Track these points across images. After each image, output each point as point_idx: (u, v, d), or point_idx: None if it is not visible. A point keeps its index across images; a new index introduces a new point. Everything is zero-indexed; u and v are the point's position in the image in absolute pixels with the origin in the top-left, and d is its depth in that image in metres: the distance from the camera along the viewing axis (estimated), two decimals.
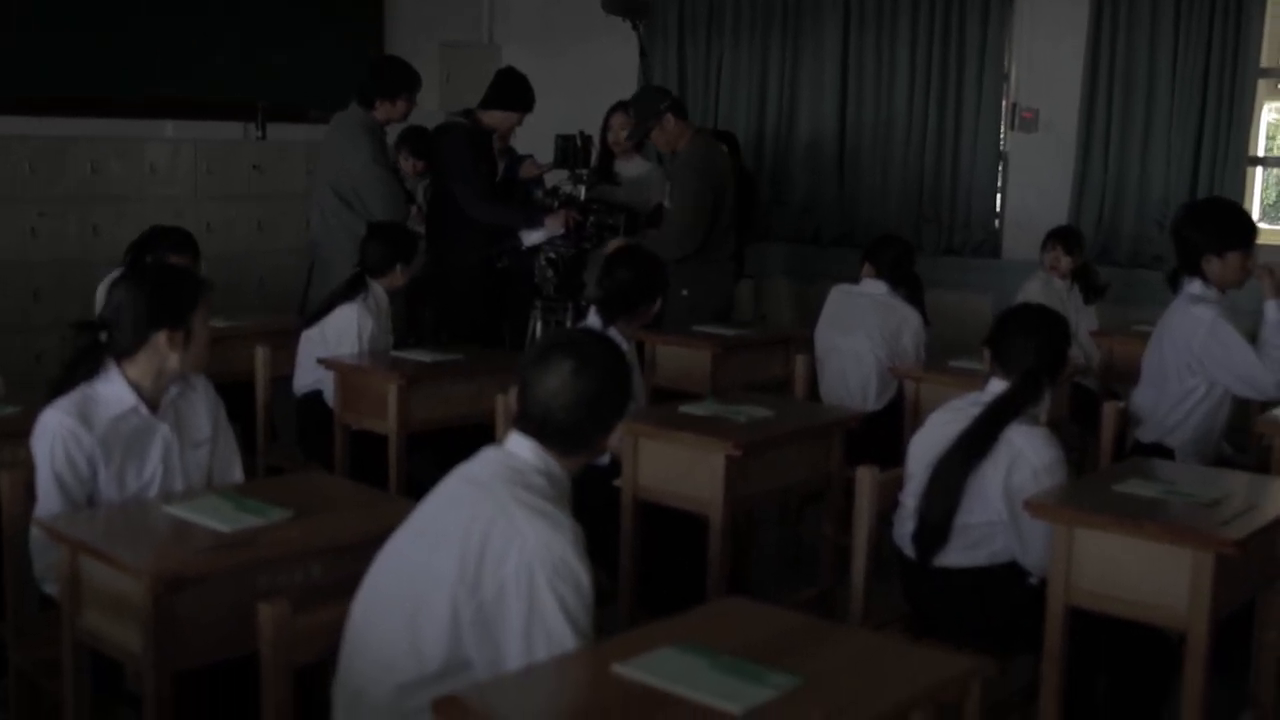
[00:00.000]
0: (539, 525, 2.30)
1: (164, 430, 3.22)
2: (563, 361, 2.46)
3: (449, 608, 2.30)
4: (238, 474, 3.42)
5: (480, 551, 2.30)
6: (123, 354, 3.16)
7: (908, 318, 5.32)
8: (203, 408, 3.33)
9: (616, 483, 4.03)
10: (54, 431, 3.09)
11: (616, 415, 2.52)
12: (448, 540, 2.34)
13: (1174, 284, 4.55)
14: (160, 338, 3.14)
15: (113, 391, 3.15)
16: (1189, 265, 4.44)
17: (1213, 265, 4.38)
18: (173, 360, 3.17)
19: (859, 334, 5.29)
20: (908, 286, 5.38)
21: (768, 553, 5.24)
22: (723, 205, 5.83)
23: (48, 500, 3.07)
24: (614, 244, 5.89)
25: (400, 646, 2.34)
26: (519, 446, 2.48)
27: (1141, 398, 4.56)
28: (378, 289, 5.11)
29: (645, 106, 5.93)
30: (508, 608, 2.27)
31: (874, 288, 5.37)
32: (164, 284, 3.21)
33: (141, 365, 3.17)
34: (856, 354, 5.29)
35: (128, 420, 3.16)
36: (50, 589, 3.06)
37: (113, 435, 3.13)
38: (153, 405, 3.21)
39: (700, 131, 6.21)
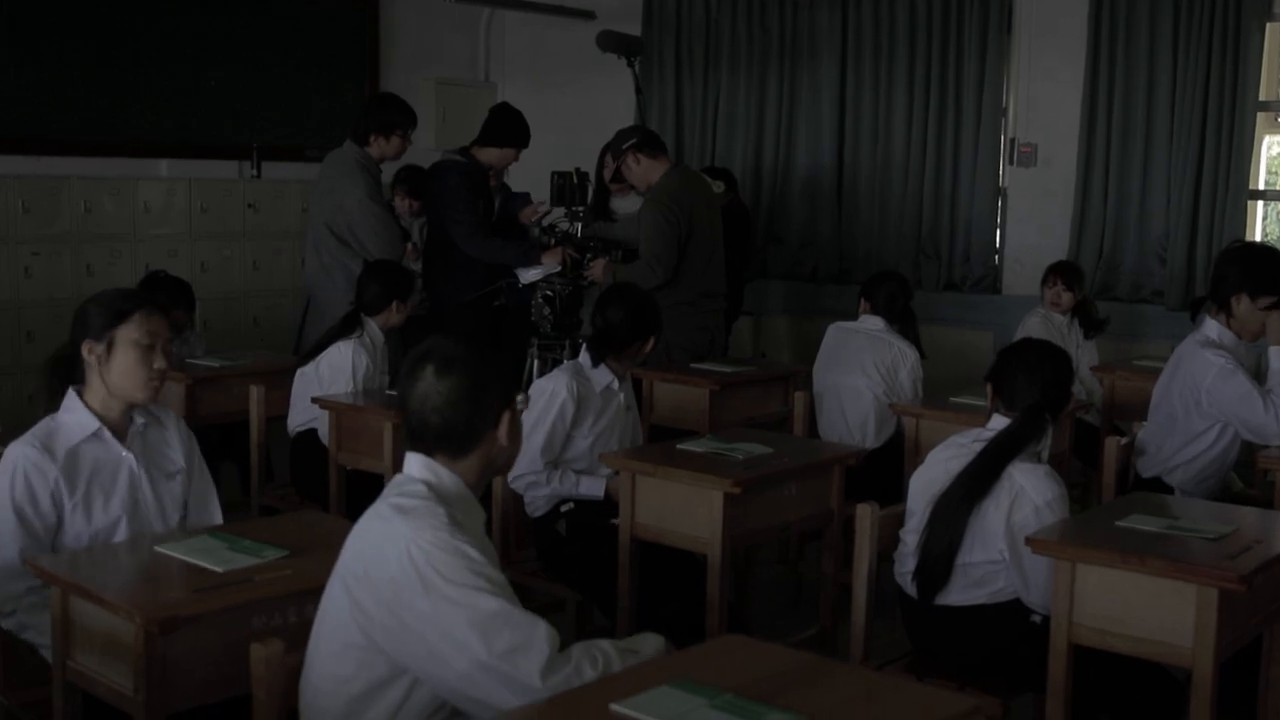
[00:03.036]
0: (408, 519, 2.37)
1: (130, 461, 3.17)
2: (424, 368, 2.49)
3: (358, 631, 2.37)
4: (214, 512, 3.37)
5: (364, 563, 2.38)
6: (81, 382, 3.16)
7: (904, 353, 5.32)
8: (175, 440, 3.30)
9: (614, 521, 4.03)
10: (15, 463, 3.06)
11: (499, 406, 2.51)
12: (340, 570, 2.44)
13: (1194, 314, 4.56)
14: (83, 350, 3.12)
15: (74, 419, 3.13)
16: (1219, 298, 4.44)
17: (1241, 305, 4.38)
18: (98, 378, 3.12)
19: (856, 371, 5.30)
20: (902, 322, 5.39)
21: (767, 591, 5.22)
22: (693, 240, 5.84)
23: (3, 537, 3.03)
24: (599, 264, 5.92)
25: (334, 672, 2.39)
26: (408, 464, 2.53)
27: (1147, 433, 4.57)
28: (373, 327, 5.12)
29: (615, 144, 6.02)
30: (410, 604, 2.31)
31: (871, 324, 5.38)
32: (92, 300, 3.18)
33: (94, 389, 3.14)
34: (855, 391, 5.30)
35: (90, 448, 3.12)
36: (6, 623, 3.05)
37: (76, 464, 3.10)
38: (118, 434, 3.17)
39: (678, 166, 6.25)
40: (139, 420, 3.22)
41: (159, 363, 3.14)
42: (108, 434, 3.15)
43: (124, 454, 3.17)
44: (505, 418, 2.52)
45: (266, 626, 2.69)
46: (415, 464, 2.51)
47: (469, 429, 2.49)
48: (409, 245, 6.66)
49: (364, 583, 2.36)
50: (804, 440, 4.94)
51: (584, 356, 4.29)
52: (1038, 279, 6.43)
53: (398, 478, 2.52)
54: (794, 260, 8.50)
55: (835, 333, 5.48)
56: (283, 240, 7.88)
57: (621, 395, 4.29)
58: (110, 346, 3.10)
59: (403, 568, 2.32)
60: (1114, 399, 5.86)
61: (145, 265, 6.79)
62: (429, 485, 2.46)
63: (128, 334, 3.10)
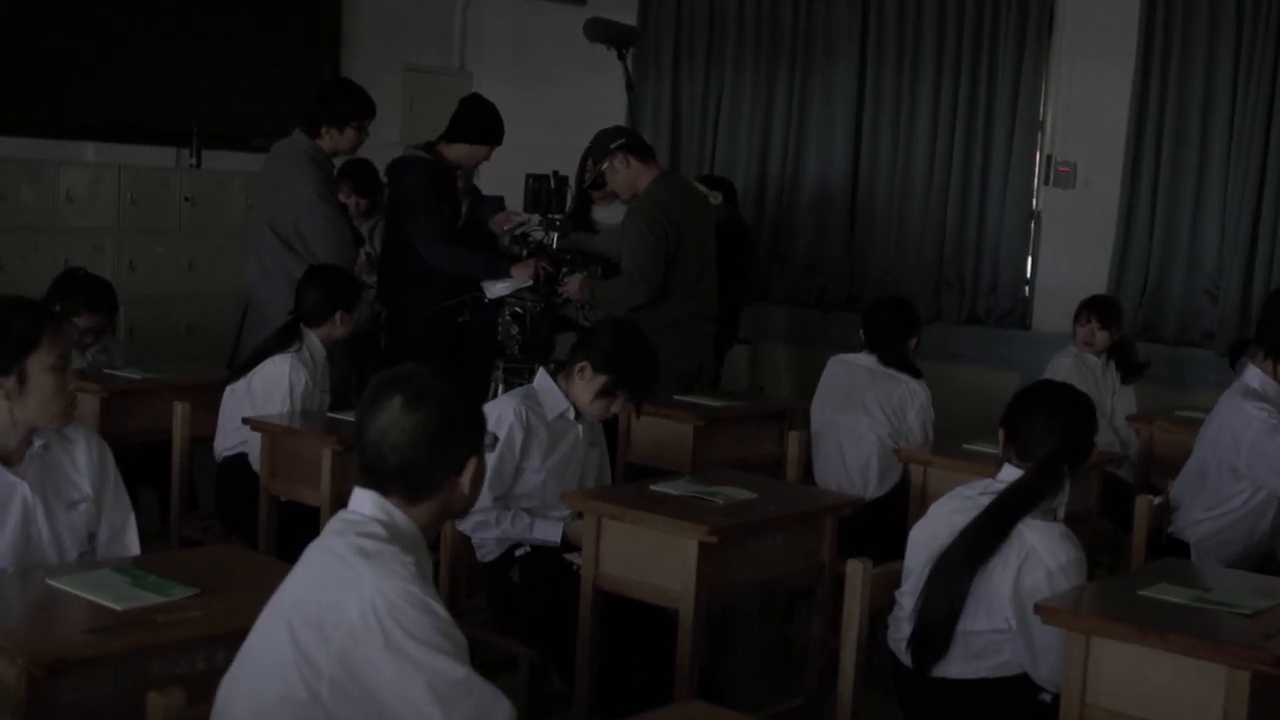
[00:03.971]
0: (373, 564, 2.38)
1: (23, 489, 3.15)
2: (391, 398, 2.50)
3: (301, 684, 2.35)
4: (131, 542, 3.35)
5: (318, 608, 2.37)
6: None
7: (913, 391, 5.33)
8: (81, 461, 3.27)
9: (572, 559, 4.03)
10: None
11: (466, 451, 2.54)
12: (283, 611, 2.43)
13: (1235, 359, 4.58)
14: None
15: None
16: (1267, 343, 4.45)
17: None
18: (5, 412, 3.10)
19: (858, 410, 5.31)
20: (898, 364, 5.38)
21: (750, 654, 5.21)
22: (680, 256, 5.86)
23: None
24: (576, 280, 5.93)
25: None
26: (357, 501, 2.54)
27: (1179, 490, 4.58)
28: (314, 340, 5.12)
29: (597, 145, 6.02)
30: (367, 660, 2.32)
31: (873, 358, 5.39)
32: None
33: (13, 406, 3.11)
34: (855, 433, 5.30)
35: None
36: None
37: None
38: (9, 460, 3.15)
39: (668, 174, 6.26)
40: (37, 442, 3.19)
41: (72, 383, 3.15)
42: None
43: (15, 481, 3.15)
44: (471, 463, 2.55)
45: (169, 674, 2.68)
46: (367, 502, 2.52)
47: (430, 473, 2.51)
48: (362, 252, 6.66)
49: (314, 630, 2.36)
50: (794, 486, 4.95)
51: (539, 380, 4.31)
52: (1071, 314, 6.44)
53: (348, 515, 2.53)
54: (799, 283, 8.52)
55: (835, 366, 5.49)
56: (223, 238, 7.88)
57: (580, 428, 4.30)
58: (22, 379, 3.08)
59: (364, 618, 2.33)
60: (1151, 452, 5.86)
61: (64, 261, 6.78)
62: (384, 526, 2.47)
63: (41, 362, 3.08)
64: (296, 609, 2.41)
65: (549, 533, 4.16)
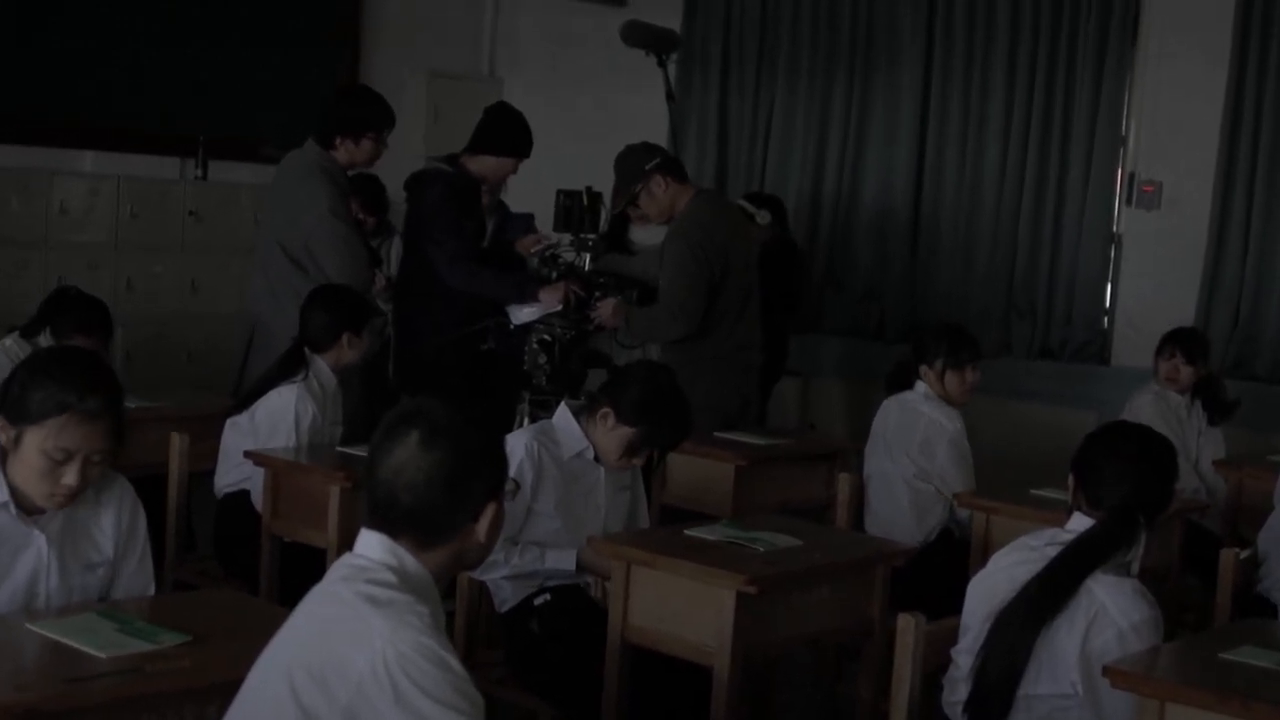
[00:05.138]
0: (385, 614, 2.38)
1: (40, 542, 3.16)
2: (408, 433, 2.51)
3: None
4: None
5: (321, 661, 2.37)
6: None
7: (938, 426, 5.33)
8: (109, 522, 3.28)
9: (588, 585, 4.06)
10: None
11: (485, 495, 2.55)
12: (282, 663, 2.43)
13: None
14: None
15: None
16: None
17: None
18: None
19: (890, 454, 5.37)
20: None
21: (792, 717, 5.20)
22: (726, 283, 5.87)
23: None
24: (609, 304, 5.95)
25: None
26: (364, 544, 2.54)
27: (1265, 542, 4.56)
28: (321, 366, 5.14)
29: (629, 167, 6.01)
30: (376, 716, 2.33)
31: (913, 391, 5.44)
32: (25, 365, 3.15)
33: (12, 461, 3.11)
34: (896, 480, 5.34)
35: None
36: None
37: None
38: (31, 509, 3.14)
39: (706, 192, 6.28)
40: None
41: (70, 478, 3.07)
42: (14, 508, 3.12)
43: (33, 533, 3.15)
44: (489, 510, 2.56)
45: None
46: (376, 546, 2.53)
47: (446, 518, 2.53)
48: (381, 275, 6.69)
49: (318, 685, 2.37)
50: (842, 533, 4.94)
51: (559, 416, 4.32)
52: (1154, 347, 6.41)
53: (354, 559, 2.54)
54: (855, 312, 8.53)
55: (891, 406, 5.50)
56: (229, 256, 7.93)
57: (602, 469, 4.30)
58: (18, 439, 3.07)
59: (375, 673, 2.33)
60: (1240, 501, 5.83)
61: (56, 279, 6.83)
62: (395, 573, 2.48)
63: (36, 439, 3.05)
64: (298, 661, 2.42)
65: (562, 561, 4.16)
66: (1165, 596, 3.75)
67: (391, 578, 2.47)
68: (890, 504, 5.35)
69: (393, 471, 2.51)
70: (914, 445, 5.31)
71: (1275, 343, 7.40)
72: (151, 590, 3.42)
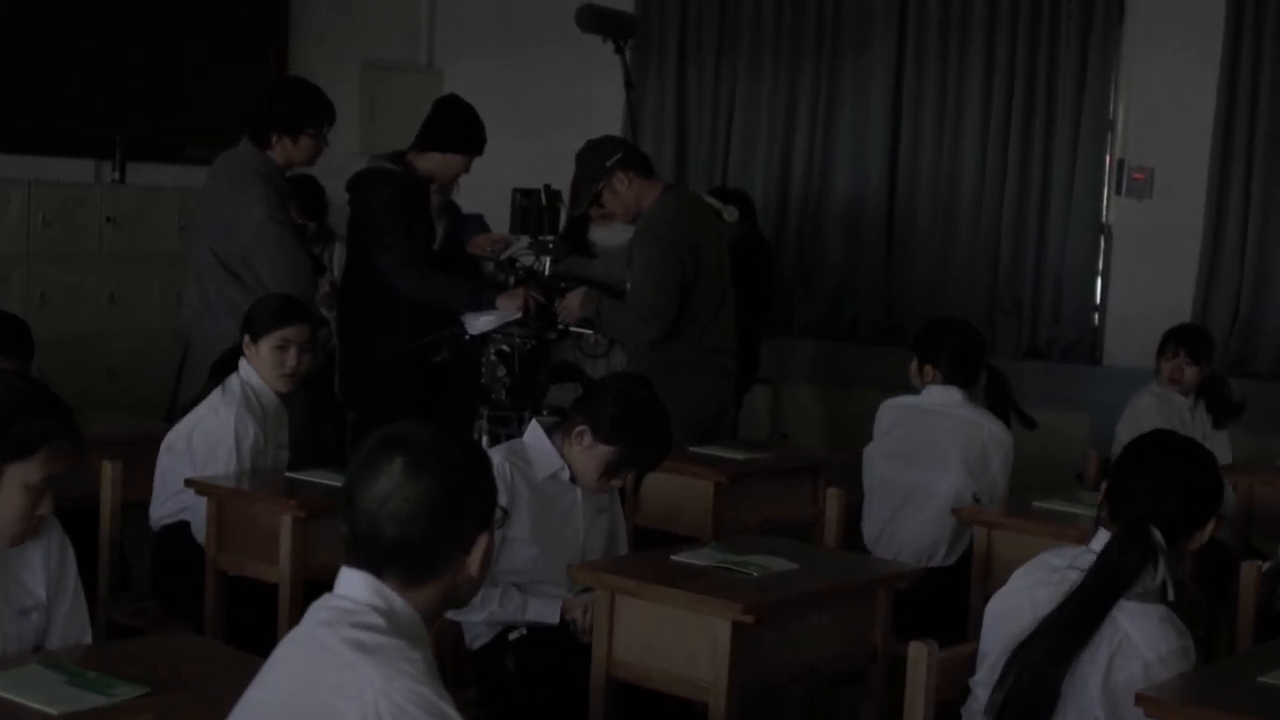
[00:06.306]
0: (376, 662, 2.35)
1: None
2: (391, 460, 2.47)
3: None
4: (86, 642, 3.37)
5: (308, 716, 2.35)
6: None
7: (996, 437, 5.33)
8: (36, 559, 3.25)
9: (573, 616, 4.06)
10: None
11: (476, 525, 2.52)
12: (258, 714, 2.41)
13: None
14: None
15: None
16: None
17: None
18: None
19: (935, 465, 5.30)
20: (991, 390, 5.39)
21: None
22: (699, 283, 5.86)
23: None
24: (577, 296, 5.94)
25: None
26: (346, 584, 2.50)
27: None
28: (258, 382, 5.07)
29: (589, 164, 6.01)
30: None
31: (944, 396, 5.38)
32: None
33: None
34: (926, 491, 5.30)
35: None
36: None
37: None
38: None
39: (674, 188, 6.28)
40: None
41: (46, 506, 3.11)
42: None
43: None
44: (481, 541, 2.53)
45: None
46: (360, 586, 2.49)
47: (436, 551, 2.49)
48: (324, 282, 6.65)
49: None
50: (839, 554, 4.92)
51: (530, 434, 4.30)
52: (1148, 345, 6.45)
53: (336, 601, 2.49)
54: (828, 312, 8.54)
55: (896, 413, 5.48)
56: (152, 266, 7.88)
57: (579, 491, 4.27)
58: None
59: None
60: (1252, 509, 5.85)
61: None
62: (382, 615, 2.44)
63: (22, 476, 3.06)
64: (281, 716, 2.38)
65: (545, 613, 4.14)
66: (1180, 614, 3.74)
67: (379, 621, 2.43)
68: (919, 520, 5.33)
69: (376, 502, 2.47)
70: (972, 456, 5.29)
71: (1278, 337, 7.43)
72: (88, 635, 3.40)
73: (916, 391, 5.48)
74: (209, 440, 4.98)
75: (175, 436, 5.07)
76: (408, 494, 2.45)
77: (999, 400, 5.47)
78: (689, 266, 5.85)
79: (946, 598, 4.87)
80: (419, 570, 2.49)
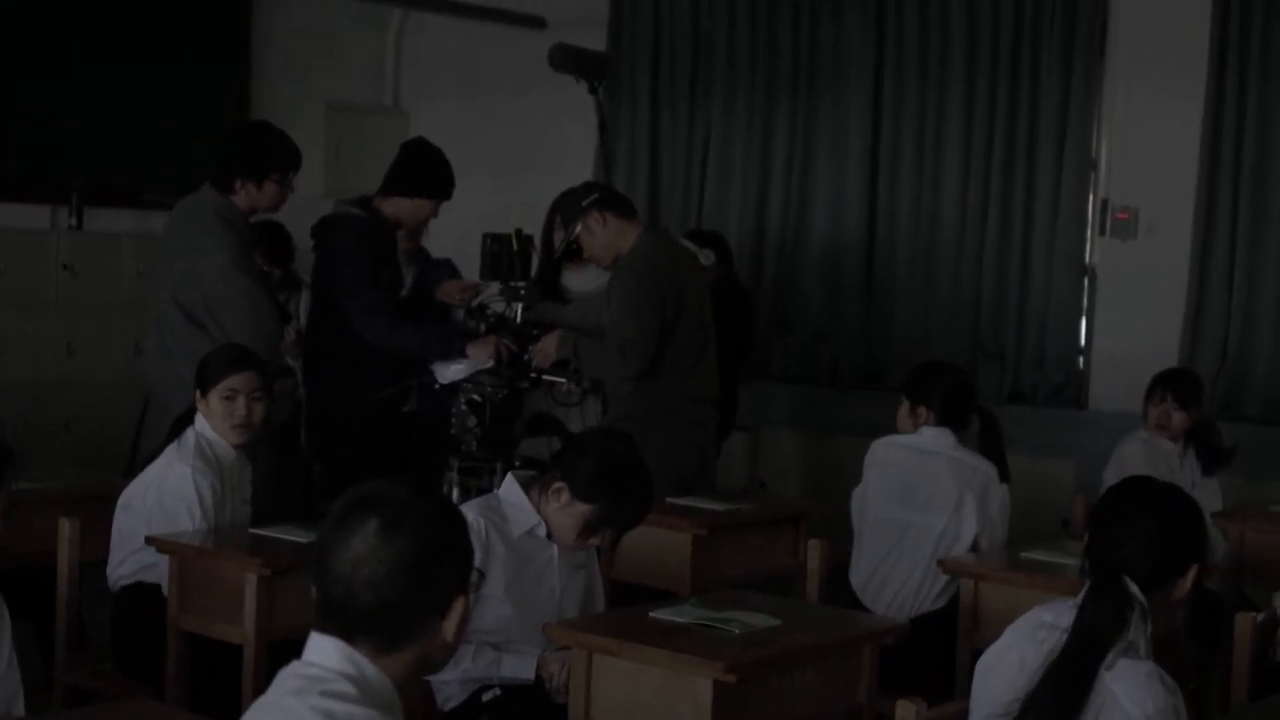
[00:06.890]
0: None
1: None
2: (365, 521, 2.45)
3: None
4: (17, 705, 3.34)
5: None
6: None
7: (990, 477, 5.35)
8: None
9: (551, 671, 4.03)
10: None
11: (453, 589, 2.49)
12: None
13: None
14: None
15: None
16: None
17: None
18: None
19: (932, 506, 5.31)
20: (984, 433, 5.40)
21: None
22: (680, 325, 5.87)
23: None
24: (552, 340, 5.94)
25: None
26: (316, 650, 2.46)
27: None
28: (212, 435, 5.05)
29: (566, 208, 6.04)
30: None
31: (938, 438, 5.40)
32: None
33: None
34: (924, 531, 5.30)
35: None
36: None
37: None
38: None
39: (652, 230, 6.28)
40: None
41: None
42: None
43: None
44: (458, 604, 2.50)
45: None
46: (331, 652, 2.45)
47: (411, 615, 2.46)
48: (290, 330, 6.63)
49: None
50: (822, 609, 4.92)
51: (506, 489, 4.28)
52: (1135, 389, 6.46)
53: (306, 669, 2.46)
54: (806, 357, 8.54)
55: (888, 451, 5.50)
56: (109, 315, 7.86)
57: (556, 548, 4.26)
58: None
59: None
60: (1244, 557, 5.85)
61: None
62: (354, 684, 2.41)
63: None
64: None
65: (520, 669, 4.12)
66: (1171, 667, 3.72)
67: (351, 689, 2.40)
68: (912, 560, 5.33)
69: (350, 565, 2.44)
70: (973, 496, 5.30)
71: (1267, 380, 7.44)
72: (19, 705, 3.37)
73: None
74: (169, 498, 4.95)
75: (131, 494, 5.04)
76: (382, 556, 2.43)
77: (993, 444, 5.48)
78: (670, 305, 5.85)
79: (935, 643, 4.87)
80: (393, 635, 2.46)
